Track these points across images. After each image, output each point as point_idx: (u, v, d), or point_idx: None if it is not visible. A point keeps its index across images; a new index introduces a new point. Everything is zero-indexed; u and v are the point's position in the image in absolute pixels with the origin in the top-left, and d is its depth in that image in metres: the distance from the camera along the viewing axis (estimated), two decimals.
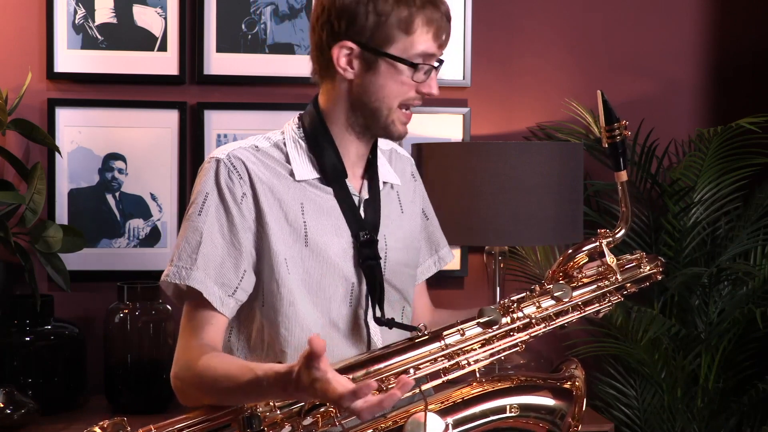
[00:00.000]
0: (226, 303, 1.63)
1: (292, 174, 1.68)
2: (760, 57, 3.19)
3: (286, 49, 2.91)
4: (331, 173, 1.69)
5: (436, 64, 1.67)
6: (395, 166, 1.85)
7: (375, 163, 1.76)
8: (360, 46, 1.63)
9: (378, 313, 1.67)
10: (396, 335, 1.66)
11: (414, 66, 1.63)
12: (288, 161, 1.69)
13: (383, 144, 1.85)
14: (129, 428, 1.37)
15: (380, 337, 1.70)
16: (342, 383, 1.34)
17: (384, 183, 1.78)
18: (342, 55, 1.64)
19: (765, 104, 3.09)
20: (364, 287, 1.69)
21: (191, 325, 1.63)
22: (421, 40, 1.63)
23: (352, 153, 1.72)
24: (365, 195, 1.73)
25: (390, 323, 1.66)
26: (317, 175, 1.69)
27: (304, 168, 1.69)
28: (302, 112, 1.75)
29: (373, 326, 1.70)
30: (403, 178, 1.85)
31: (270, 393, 1.43)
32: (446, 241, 1.98)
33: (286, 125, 1.75)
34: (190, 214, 1.65)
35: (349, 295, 1.68)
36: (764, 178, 3.03)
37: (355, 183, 1.73)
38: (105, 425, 1.39)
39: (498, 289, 2.65)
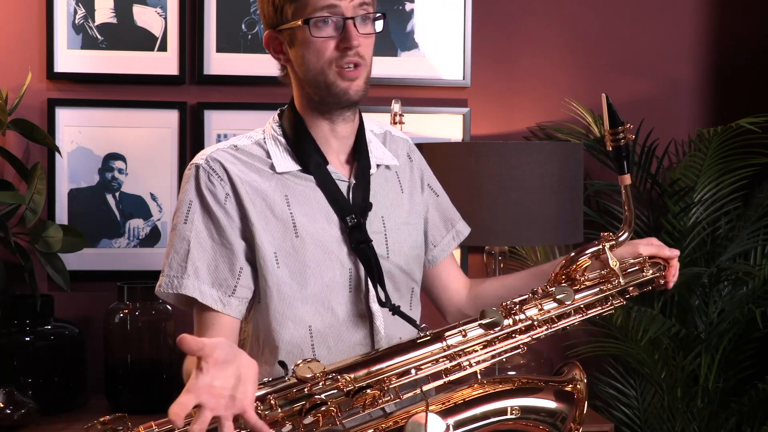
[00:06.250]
0: (228, 303, 1.63)
1: (272, 168, 1.69)
2: (760, 57, 3.19)
3: None
4: (311, 162, 1.70)
5: (349, 15, 1.62)
6: (390, 147, 1.85)
7: (362, 146, 1.76)
8: (272, 29, 1.70)
9: (381, 295, 1.67)
10: (399, 322, 1.67)
11: (306, 23, 1.63)
12: (269, 157, 1.70)
13: (376, 128, 1.86)
14: (130, 424, 1.37)
15: (383, 321, 1.69)
16: (180, 404, 1.25)
17: (378, 165, 1.78)
18: (270, 45, 1.72)
19: (765, 104, 3.09)
20: (362, 271, 1.69)
21: (197, 330, 1.65)
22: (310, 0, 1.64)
23: (331, 138, 1.72)
24: (353, 180, 1.73)
25: (393, 308, 1.66)
26: (298, 167, 1.70)
27: (285, 161, 1.70)
28: (281, 109, 1.78)
29: (376, 309, 1.69)
30: (399, 159, 1.85)
31: None
32: (460, 215, 1.97)
33: (267, 124, 1.77)
34: (176, 224, 1.67)
35: (348, 281, 1.68)
36: (764, 178, 3.03)
37: (343, 169, 1.73)
38: (106, 420, 1.38)
39: None
